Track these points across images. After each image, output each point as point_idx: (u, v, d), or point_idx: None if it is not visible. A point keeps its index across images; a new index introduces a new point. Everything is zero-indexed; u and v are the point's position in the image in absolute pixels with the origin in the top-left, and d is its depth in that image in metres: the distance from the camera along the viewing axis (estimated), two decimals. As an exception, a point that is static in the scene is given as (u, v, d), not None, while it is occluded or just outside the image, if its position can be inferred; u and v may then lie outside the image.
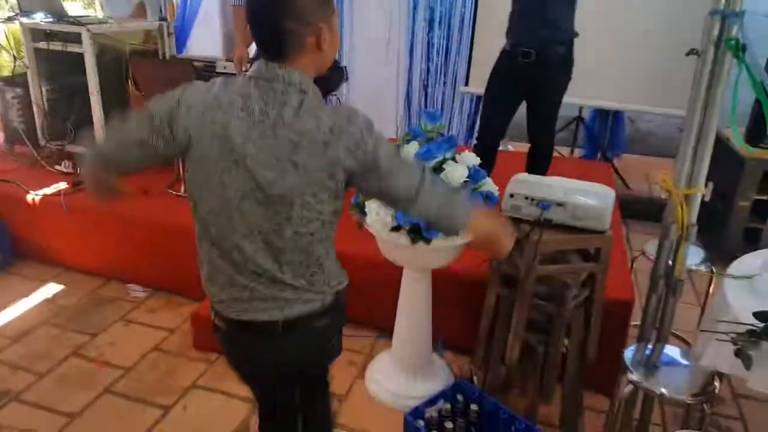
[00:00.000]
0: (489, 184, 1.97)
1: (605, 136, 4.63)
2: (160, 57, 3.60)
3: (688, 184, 1.79)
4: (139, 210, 2.94)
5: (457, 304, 2.38)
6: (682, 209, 1.74)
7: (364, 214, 1.99)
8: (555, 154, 4.60)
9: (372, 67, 4.90)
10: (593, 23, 3.94)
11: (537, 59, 2.75)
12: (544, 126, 3.01)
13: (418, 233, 1.87)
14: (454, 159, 1.96)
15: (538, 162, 3.02)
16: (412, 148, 1.94)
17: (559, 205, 1.77)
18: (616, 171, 4.26)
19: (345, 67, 3.91)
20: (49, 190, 3.18)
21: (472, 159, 1.99)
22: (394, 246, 1.95)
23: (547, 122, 3.02)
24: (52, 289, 3.03)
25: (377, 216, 1.95)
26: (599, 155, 4.58)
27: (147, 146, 1.20)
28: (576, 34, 2.85)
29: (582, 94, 4.18)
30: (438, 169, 1.90)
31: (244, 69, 2.92)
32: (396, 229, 1.91)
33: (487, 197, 1.91)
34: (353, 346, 2.55)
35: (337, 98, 4.05)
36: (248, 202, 1.17)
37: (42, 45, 3.33)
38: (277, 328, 1.25)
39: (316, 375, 1.43)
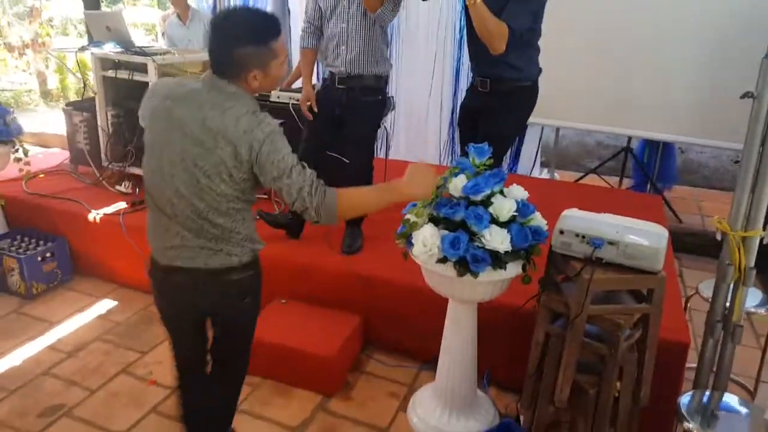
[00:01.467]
0: (537, 219, 1.96)
1: (655, 167, 4.54)
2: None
3: (745, 226, 1.75)
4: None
5: (504, 339, 2.35)
6: (739, 252, 1.69)
7: (411, 244, 2.00)
8: (605, 184, 4.57)
9: (418, 96, 4.97)
10: (642, 52, 3.90)
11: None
12: None
13: (464, 266, 1.86)
14: (502, 193, 1.97)
15: None
16: (460, 182, 1.95)
17: (611, 243, 1.74)
18: (667, 203, 4.16)
19: (392, 96, 3.98)
20: (109, 210, 3.33)
21: (520, 193, 1.98)
22: (440, 277, 1.95)
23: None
24: (106, 305, 3.16)
25: (424, 247, 1.95)
26: (649, 186, 4.48)
27: None
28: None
29: (631, 125, 4.13)
30: (486, 202, 1.91)
31: (312, 107, 2.93)
32: (442, 260, 1.91)
33: (536, 232, 1.90)
34: (396, 377, 2.55)
35: (385, 127, 4.10)
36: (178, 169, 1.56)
37: (110, 73, 3.52)
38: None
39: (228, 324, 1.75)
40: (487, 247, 1.83)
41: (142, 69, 3.37)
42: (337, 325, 2.58)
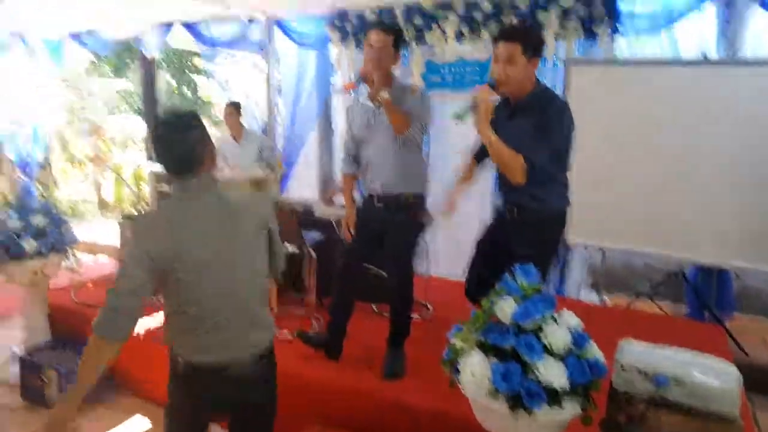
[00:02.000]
0: (594, 350, 1.84)
1: (711, 293, 4.32)
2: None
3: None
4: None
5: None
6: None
7: (458, 371, 1.89)
8: (656, 309, 4.36)
9: (458, 212, 4.98)
10: (691, 174, 3.87)
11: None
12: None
13: (518, 401, 1.73)
14: (554, 319, 1.87)
15: None
16: (509, 306, 1.87)
17: (677, 382, 1.61)
18: (729, 334, 3.90)
19: (431, 211, 4.03)
20: (152, 322, 3.31)
21: (573, 321, 1.88)
22: (490, 412, 1.82)
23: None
24: (137, 423, 3.06)
25: (472, 377, 1.84)
26: (707, 314, 4.24)
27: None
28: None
29: (680, 249, 4.00)
30: (537, 331, 1.81)
31: (351, 231, 3.03)
32: (493, 393, 1.79)
33: (594, 366, 1.77)
34: None
35: (425, 242, 4.10)
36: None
37: (165, 188, 3.70)
38: None
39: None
40: (541, 380, 1.71)
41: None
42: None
